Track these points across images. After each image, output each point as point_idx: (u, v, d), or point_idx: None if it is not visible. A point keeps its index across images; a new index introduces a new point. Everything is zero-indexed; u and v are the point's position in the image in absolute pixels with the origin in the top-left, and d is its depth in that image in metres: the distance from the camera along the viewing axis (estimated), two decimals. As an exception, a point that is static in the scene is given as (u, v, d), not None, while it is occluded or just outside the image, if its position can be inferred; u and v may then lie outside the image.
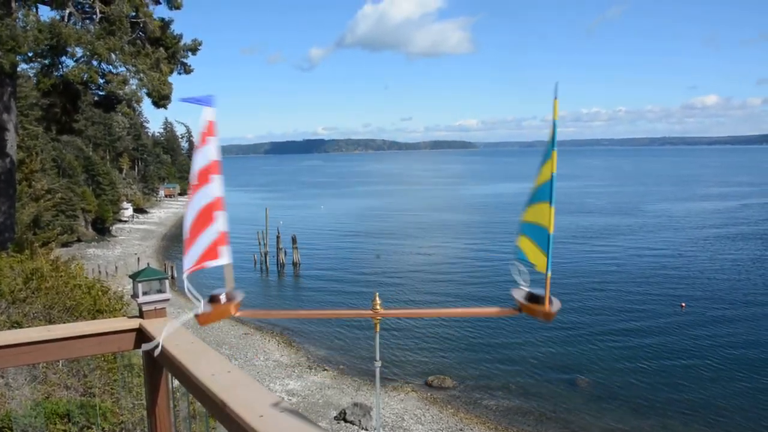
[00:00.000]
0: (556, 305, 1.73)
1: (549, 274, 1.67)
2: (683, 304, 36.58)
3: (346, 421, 22.42)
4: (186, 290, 1.71)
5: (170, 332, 1.94)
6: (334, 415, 23.01)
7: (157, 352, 2.22)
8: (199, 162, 1.71)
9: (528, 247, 1.76)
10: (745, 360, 28.12)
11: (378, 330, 1.83)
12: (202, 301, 1.70)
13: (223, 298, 1.75)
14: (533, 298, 1.74)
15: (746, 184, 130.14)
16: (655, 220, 74.42)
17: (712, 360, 28.26)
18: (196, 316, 1.71)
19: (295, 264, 54.14)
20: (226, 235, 1.73)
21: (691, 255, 52.32)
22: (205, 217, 1.70)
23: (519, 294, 1.78)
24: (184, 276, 1.69)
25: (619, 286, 41.79)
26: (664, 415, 23.12)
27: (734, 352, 29.16)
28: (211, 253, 1.70)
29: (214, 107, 1.71)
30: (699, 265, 47.85)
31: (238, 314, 1.78)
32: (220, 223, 1.71)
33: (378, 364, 1.88)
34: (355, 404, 23.38)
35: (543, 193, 1.66)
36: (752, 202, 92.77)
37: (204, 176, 1.70)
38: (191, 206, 1.70)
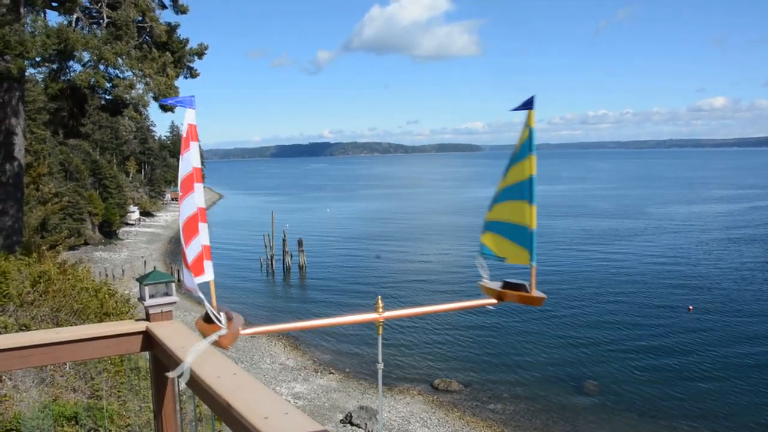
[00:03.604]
0: (541, 294, 1.82)
1: (534, 265, 1.74)
2: (690, 307, 36.41)
3: (352, 424, 22.42)
4: (210, 313, 1.58)
5: (195, 357, 1.85)
6: (341, 418, 23.01)
7: (184, 379, 2.10)
8: (183, 169, 1.58)
9: (496, 242, 1.81)
10: (754, 363, 27.95)
11: (381, 332, 1.85)
12: (223, 323, 1.60)
13: (223, 318, 1.65)
14: (511, 287, 1.82)
15: (754, 187, 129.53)
16: (662, 223, 74.15)
17: (720, 363, 28.11)
18: (219, 338, 1.61)
19: (301, 267, 54.17)
20: (209, 249, 1.60)
21: (698, 258, 52.12)
22: (190, 229, 1.57)
23: (495, 285, 1.86)
24: (200, 294, 1.56)
25: (626, 289, 41.64)
26: (673, 420, 23.02)
27: (743, 355, 29.00)
28: (196, 267, 1.57)
29: (194, 108, 1.58)
30: (706, 268, 47.66)
31: (243, 333, 1.68)
32: (203, 236, 1.58)
33: (380, 366, 1.90)
34: (361, 407, 23.37)
35: (517, 193, 1.72)
36: (760, 204, 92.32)
37: (188, 185, 1.57)
38: (181, 217, 1.59)
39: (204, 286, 1.59)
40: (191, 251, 1.57)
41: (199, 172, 1.59)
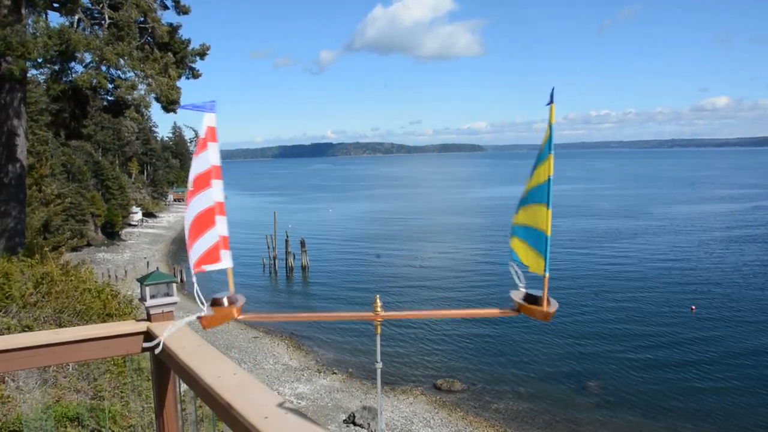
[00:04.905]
0: (554, 306, 1.74)
1: (547, 275, 1.68)
2: (693, 307, 36.36)
3: (355, 424, 22.42)
4: (195, 293, 1.72)
5: (172, 332, 1.95)
6: (344, 418, 23.02)
7: (158, 350, 2.22)
8: (197, 167, 1.70)
9: (521, 248, 1.75)
10: (757, 363, 27.92)
11: (379, 332, 1.85)
12: (206, 305, 1.70)
13: (225, 301, 1.73)
14: (531, 299, 1.74)
15: (756, 187, 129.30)
16: (664, 223, 74.09)
17: (723, 363, 28.08)
18: (200, 318, 1.71)
19: (303, 267, 54.20)
20: (227, 240, 1.72)
21: (700, 258, 52.05)
22: (204, 221, 1.70)
23: (517, 295, 1.79)
24: (193, 279, 1.69)
25: (628, 290, 41.60)
26: (675, 420, 23.00)
27: (746, 355, 28.96)
28: (211, 256, 1.70)
29: (214, 113, 1.70)
30: (709, 268, 47.60)
31: (240, 317, 1.77)
32: (220, 227, 1.70)
33: (379, 365, 1.90)
34: (364, 407, 23.38)
35: (538, 195, 1.68)
36: (762, 204, 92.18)
37: (203, 181, 1.70)
38: (189, 210, 1.70)
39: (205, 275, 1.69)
40: (207, 240, 1.69)
41: (218, 170, 1.71)
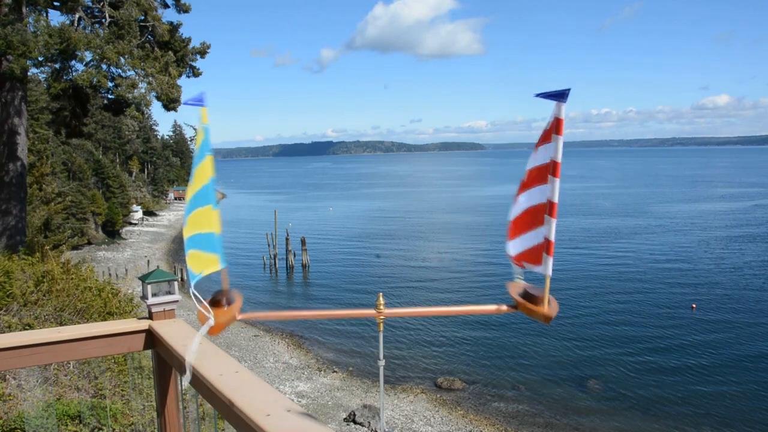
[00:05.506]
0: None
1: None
2: (694, 305, 36.35)
3: (355, 422, 22.43)
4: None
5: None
6: (344, 416, 23.03)
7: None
8: (537, 159, 1.63)
9: (196, 259, 1.68)
10: (758, 361, 27.90)
11: (381, 329, 1.85)
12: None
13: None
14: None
15: (756, 185, 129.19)
16: (664, 222, 74.01)
17: (723, 361, 28.07)
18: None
19: (304, 266, 54.19)
20: (552, 245, 1.65)
21: (701, 256, 52.00)
22: (534, 218, 1.64)
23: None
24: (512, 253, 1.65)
25: (629, 288, 41.58)
26: (675, 419, 22.99)
27: (746, 353, 28.95)
28: (534, 256, 1.65)
29: (565, 103, 1.57)
30: (709, 267, 47.55)
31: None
32: (547, 229, 1.63)
33: (381, 363, 1.90)
34: (365, 406, 23.39)
35: (202, 199, 1.67)
36: (763, 202, 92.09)
37: (540, 175, 1.63)
38: (521, 201, 1.67)
39: None
40: (532, 238, 1.65)
41: (557, 166, 1.60)
